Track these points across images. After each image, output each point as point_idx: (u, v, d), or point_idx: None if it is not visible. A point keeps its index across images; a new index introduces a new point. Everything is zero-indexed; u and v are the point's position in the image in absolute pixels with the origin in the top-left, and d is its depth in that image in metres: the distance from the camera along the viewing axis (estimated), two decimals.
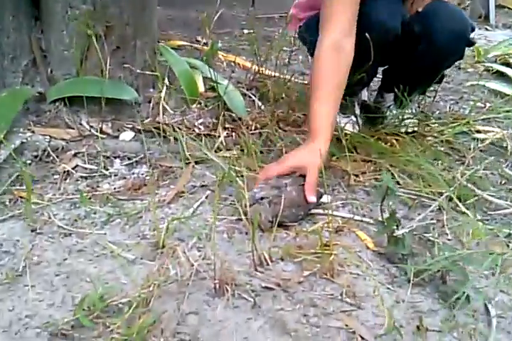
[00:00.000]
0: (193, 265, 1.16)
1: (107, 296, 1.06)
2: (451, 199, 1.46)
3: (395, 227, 1.22)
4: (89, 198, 1.44)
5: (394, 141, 1.73)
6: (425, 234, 1.32)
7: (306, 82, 2.16)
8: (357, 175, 1.58)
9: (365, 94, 1.99)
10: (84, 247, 1.24)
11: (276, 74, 2.05)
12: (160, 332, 1.00)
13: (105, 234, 1.29)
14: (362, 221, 1.36)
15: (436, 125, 1.97)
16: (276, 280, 1.11)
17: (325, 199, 1.38)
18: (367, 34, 1.49)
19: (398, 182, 1.54)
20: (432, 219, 1.39)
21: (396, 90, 1.75)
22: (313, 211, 1.39)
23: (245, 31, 2.98)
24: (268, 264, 1.16)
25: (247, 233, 1.29)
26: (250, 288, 1.09)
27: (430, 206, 1.42)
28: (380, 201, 1.22)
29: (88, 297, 1.03)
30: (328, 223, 1.26)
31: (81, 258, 1.20)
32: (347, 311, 1.07)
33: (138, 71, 1.81)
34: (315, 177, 1.35)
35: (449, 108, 2.16)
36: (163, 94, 1.75)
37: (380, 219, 1.28)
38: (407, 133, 1.83)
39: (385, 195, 1.19)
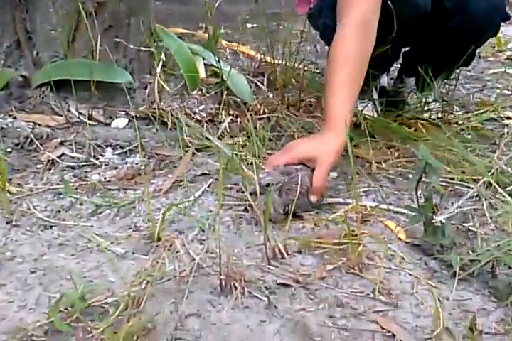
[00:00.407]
0: (194, 259, 0.97)
1: (89, 295, 0.87)
2: (488, 187, 1.28)
3: (432, 214, 1.03)
4: (76, 188, 1.27)
5: (418, 127, 1.55)
6: (464, 224, 1.13)
7: (317, 71, 1.99)
8: (379, 163, 1.39)
9: (384, 80, 1.81)
10: (67, 241, 1.06)
11: (284, 62, 1.88)
12: (154, 338, 0.81)
13: (92, 226, 1.11)
14: (389, 210, 1.18)
15: (461, 112, 1.79)
16: (293, 276, 0.92)
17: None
18: (394, 10, 1.32)
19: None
20: (469, 207, 1.20)
21: (421, 71, 1.57)
22: (329, 200, 1.21)
23: (249, 25, 2.84)
24: (283, 257, 0.98)
25: (256, 224, 1.11)
26: (263, 285, 0.91)
27: (465, 194, 1.24)
28: (415, 182, 1.02)
29: (66, 296, 0.85)
30: (353, 209, 1.07)
31: (62, 253, 1.02)
32: (381, 311, 0.88)
33: (133, 52, 1.63)
34: (325, 172, 1.15)
35: (472, 96, 1.98)
36: (159, 78, 1.57)
37: (412, 205, 1.09)
38: (430, 119, 1.65)
39: (422, 174, 1.00)
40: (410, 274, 0.97)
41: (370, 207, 1.17)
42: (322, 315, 0.86)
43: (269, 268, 0.95)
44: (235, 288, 0.88)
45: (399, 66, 1.85)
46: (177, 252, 1.00)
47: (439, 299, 0.91)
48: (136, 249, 1.03)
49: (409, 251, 1.04)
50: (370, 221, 1.12)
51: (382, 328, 0.84)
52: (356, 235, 1.00)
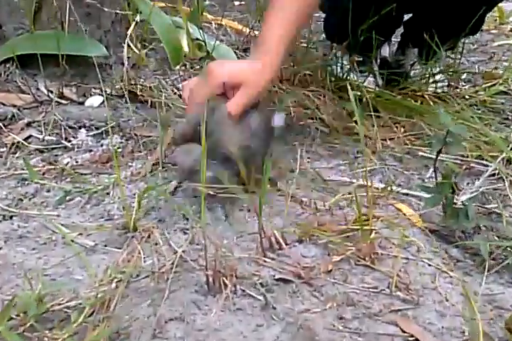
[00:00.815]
0: (176, 252, 0.82)
1: (48, 298, 0.72)
2: (507, 164, 1.14)
3: (452, 195, 0.89)
4: (43, 174, 1.11)
5: (425, 100, 1.41)
6: (486, 206, 0.99)
7: (311, 45, 1.83)
8: (384, 140, 1.25)
9: (385, 50, 1.65)
10: (27, 232, 0.91)
11: None
12: None
13: (58, 215, 0.97)
14: (399, 192, 1.03)
15: (468, 85, 1.65)
16: (294, 270, 0.78)
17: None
18: None
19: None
20: (489, 187, 1.06)
21: (427, 38, 1.42)
22: (331, 180, 1.06)
23: (236, 3, 2.68)
24: (281, 248, 0.83)
25: (249, 210, 0.96)
26: (258, 282, 0.76)
27: (484, 172, 1.10)
28: (434, 154, 0.87)
29: (20, 299, 0.70)
30: (360, 190, 0.92)
31: (21, 247, 0.87)
32: (400, 310, 0.74)
33: (107, 23, 1.47)
34: (246, 101, 0.95)
35: (478, 68, 1.84)
36: (137, 51, 1.41)
37: (427, 185, 0.94)
38: (435, 94, 1.50)
39: (443, 145, 0.85)
40: (430, 265, 0.83)
41: (376, 188, 1.03)
42: (330, 316, 0.72)
43: (264, 261, 0.80)
44: (225, 285, 0.74)
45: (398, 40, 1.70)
46: (156, 244, 0.86)
47: (464, 294, 0.77)
48: (108, 240, 0.88)
49: (426, 237, 0.89)
50: (380, 204, 0.97)
51: (403, 331, 0.70)
52: (367, 220, 0.85)
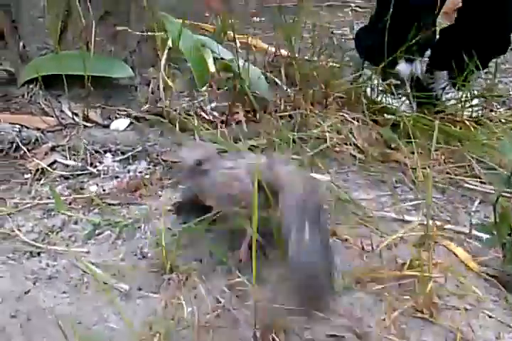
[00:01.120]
0: (219, 301, 0.76)
1: None
2: None
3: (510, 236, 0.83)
4: (69, 203, 1.07)
5: (464, 125, 1.35)
6: None
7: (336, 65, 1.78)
8: (423, 168, 1.19)
9: (417, 68, 1.58)
10: (57, 272, 0.86)
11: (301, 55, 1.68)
12: None
13: (88, 252, 0.91)
14: (445, 229, 0.97)
15: (503, 109, 1.59)
16: (347, 324, 0.71)
17: None
18: None
19: (480, 178, 1.16)
20: None
21: (463, 58, 1.37)
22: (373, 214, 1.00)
23: (256, 19, 2.64)
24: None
25: None
26: (308, 337, 0.70)
27: None
28: (498, 191, 0.80)
29: None
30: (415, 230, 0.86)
31: (50, 290, 0.82)
32: None
33: (133, 44, 1.42)
34: None
35: None
36: (164, 73, 1.36)
37: (481, 223, 0.89)
38: (470, 118, 1.45)
39: (508, 186, 0.79)
40: (491, 316, 0.77)
41: (423, 224, 0.96)
42: None
43: (315, 314, 0.74)
44: None
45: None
46: (194, 288, 0.80)
47: None
48: (143, 283, 0.83)
49: (483, 284, 0.83)
50: (429, 244, 0.91)
51: None
52: (423, 266, 0.78)
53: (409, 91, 1.50)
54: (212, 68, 1.59)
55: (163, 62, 1.34)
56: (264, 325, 0.69)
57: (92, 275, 0.84)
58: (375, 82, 1.41)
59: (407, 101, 1.44)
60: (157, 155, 1.24)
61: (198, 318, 0.74)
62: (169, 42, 1.35)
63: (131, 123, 1.35)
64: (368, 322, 0.73)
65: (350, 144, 1.23)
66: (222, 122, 1.34)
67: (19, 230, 0.97)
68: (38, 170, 1.17)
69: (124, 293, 0.81)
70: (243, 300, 0.77)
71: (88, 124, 1.34)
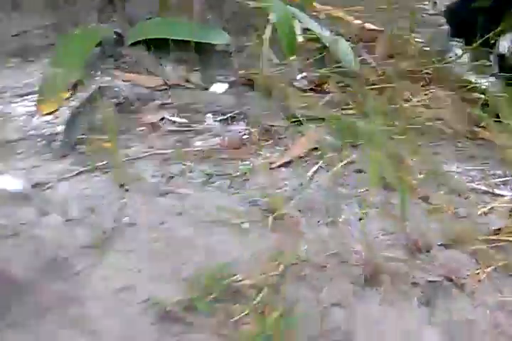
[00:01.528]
0: (325, 243, 0.89)
1: (223, 274, 0.81)
2: None
3: None
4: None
5: None
6: None
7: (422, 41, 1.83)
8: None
9: (504, 45, 1.61)
10: (185, 210, 1.00)
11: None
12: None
13: (207, 196, 1.05)
14: None
15: None
16: (445, 273, 0.83)
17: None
18: None
19: None
20: None
21: None
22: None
23: None
24: (428, 251, 0.89)
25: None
26: (412, 281, 0.82)
27: None
28: None
29: (201, 274, 0.79)
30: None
31: (182, 223, 0.96)
32: None
33: (229, 12, 1.54)
34: None
35: None
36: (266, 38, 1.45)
37: None
38: None
39: None
40: None
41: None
42: (489, 319, 0.76)
43: (414, 262, 0.86)
44: (381, 281, 0.80)
45: None
46: (305, 234, 0.93)
47: None
48: (260, 224, 0.96)
49: None
50: None
51: None
52: None
53: (497, 71, 1.54)
54: (300, 38, 1.69)
55: (268, 31, 1.43)
56: (372, 266, 0.82)
57: (215, 214, 0.98)
58: (465, 59, 1.46)
59: (496, 81, 1.48)
60: (254, 118, 1.37)
61: (311, 256, 0.87)
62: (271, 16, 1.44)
63: (228, 87, 1.48)
64: (469, 275, 0.84)
65: (440, 120, 1.30)
66: (312, 90, 1.45)
67: (144, 173, 1.11)
68: (150, 124, 1.31)
69: (244, 230, 0.94)
70: (345, 245, 0.89)
71: (190, 86, 1.47)
